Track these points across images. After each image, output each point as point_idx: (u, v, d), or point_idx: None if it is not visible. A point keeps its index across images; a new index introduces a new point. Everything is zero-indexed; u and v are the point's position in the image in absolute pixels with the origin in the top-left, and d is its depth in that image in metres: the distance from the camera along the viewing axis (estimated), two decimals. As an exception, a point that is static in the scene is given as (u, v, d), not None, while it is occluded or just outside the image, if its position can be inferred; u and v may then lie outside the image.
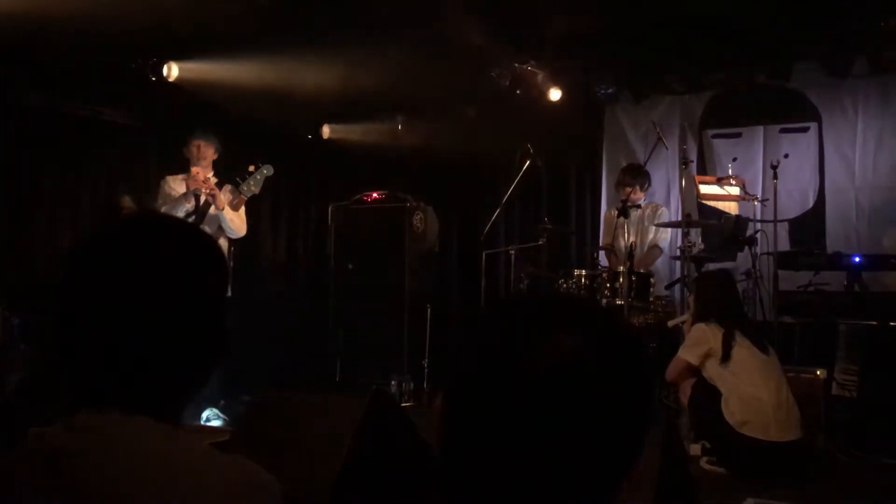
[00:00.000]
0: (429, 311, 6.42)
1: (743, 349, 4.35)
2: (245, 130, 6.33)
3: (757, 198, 6.22)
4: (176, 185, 5.21)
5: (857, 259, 5.39)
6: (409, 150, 7.38)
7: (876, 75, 6.50)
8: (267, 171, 5.15)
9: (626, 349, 0.92)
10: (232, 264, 5.43)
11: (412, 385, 6.18)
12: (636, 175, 6.23)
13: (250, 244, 6.37)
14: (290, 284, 7.46)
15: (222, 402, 5.32)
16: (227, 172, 5.33)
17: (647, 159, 6.33)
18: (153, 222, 1.24)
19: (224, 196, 5.13)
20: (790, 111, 6.77)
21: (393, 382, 6.14)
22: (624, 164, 6.90)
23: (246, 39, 5.36)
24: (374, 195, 6.80)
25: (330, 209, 6.89)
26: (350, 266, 6.62)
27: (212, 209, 5.05)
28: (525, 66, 6.67)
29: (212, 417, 5.18)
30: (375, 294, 6.55)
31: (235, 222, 5.19)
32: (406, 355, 6.34)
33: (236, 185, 5.17)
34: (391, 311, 6.46)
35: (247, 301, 5.77)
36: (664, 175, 7.14)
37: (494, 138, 6.95)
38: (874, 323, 5.08)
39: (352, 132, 7.59)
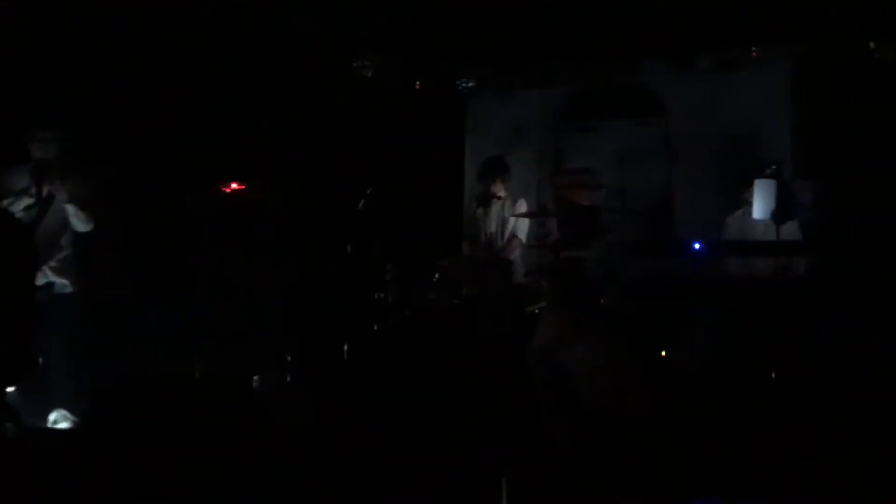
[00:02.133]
0: (293, 304, 6.36)
1: (594, 334, 4.51)
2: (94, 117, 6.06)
3: (610, 189, 6.47)
4: (18, 176, 4.94)
5: (699, 246, 5.69)
6: (272, 140, 7.26)
7: (721, 72, 6.88)
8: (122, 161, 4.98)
9: None
10: (79, 259, 5.20)
11: (277, 379, 6.09)
12: (496, 167, 6.37)
13: (102, 236, 6.10)
14: (148, 278, 7.18)
15: (73, 403, 5.08)
16: (76, 164, 5.09)
17: (508, 152, 6.48)
18: None
19: (70, 188, 4.89)
20: (642, 106, 7.10)
21: (256, 377, 6.04)
22: (485, 156, 7.03)
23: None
24: (234, 185, 6.66)
25: (189, 199, 6.69)
26: (210, 258, 6.46)
27: (57, 201, 4.81)
28: (387, 59, 6.70)
29: (60, 420, 4.95)
30: (237, 287, 6.42)
31: (81, 215, 4.96)
32: (271, 349, 6.25)
33: (85, 176, 4.96)
34: (256, 304, 6.36)
35: (100, 296, 5.52)
36: (523, 167, 7.31)
37: (358, 130, 6.94)
38: (718, 307, 5.39)
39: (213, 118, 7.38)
